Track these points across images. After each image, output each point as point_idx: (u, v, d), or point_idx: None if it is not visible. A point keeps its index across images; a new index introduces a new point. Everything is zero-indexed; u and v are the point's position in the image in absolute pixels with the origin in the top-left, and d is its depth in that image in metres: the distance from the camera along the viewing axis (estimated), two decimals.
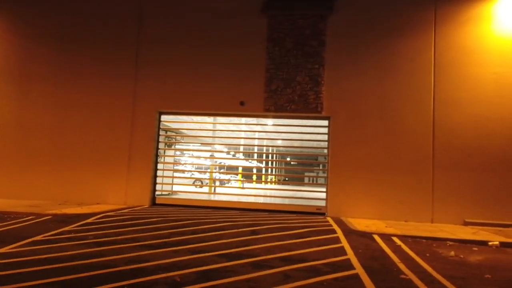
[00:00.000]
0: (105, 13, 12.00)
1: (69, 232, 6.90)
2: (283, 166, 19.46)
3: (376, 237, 7.47)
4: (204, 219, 8.74)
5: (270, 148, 25.46)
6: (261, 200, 13.23)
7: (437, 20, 10.82)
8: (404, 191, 10.48)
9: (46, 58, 12.09)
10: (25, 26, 12.27)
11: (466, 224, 10.02)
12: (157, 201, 11.78)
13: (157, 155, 11.85)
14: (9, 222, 7.66)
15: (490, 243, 7.33)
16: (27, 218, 8.19)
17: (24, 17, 12.33)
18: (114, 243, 6.11)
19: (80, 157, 11.69)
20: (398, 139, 10.66)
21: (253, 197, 15.04)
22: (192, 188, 16.87)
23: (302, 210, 11.18)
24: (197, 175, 24.33)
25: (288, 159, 20.41)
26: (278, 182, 38.00)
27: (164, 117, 12.24)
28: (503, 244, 7.32)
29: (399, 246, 6.79)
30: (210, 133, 17.97)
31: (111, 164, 11.51)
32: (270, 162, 32.80)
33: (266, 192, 18.13)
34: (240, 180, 26.99)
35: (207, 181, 18.21)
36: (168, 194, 13.68)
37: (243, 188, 26.69)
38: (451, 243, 7.37)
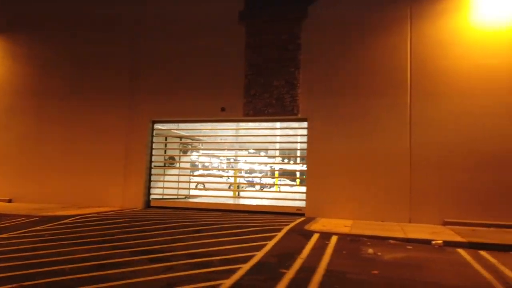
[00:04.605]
0: (103, 37, 13.13)
1: (36, 231, 7.88)
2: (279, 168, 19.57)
3: (315, 235, 7.60)
4: (170, 220, 9.35)
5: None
6: (247, 201, 13.58)
7: (412, 14, 10.56)
8: (381, 191, 10.32)
9: (58, 77, 13.53)
10: (42, 50, 13.83)
11: (445, 224, 9.64)
12: (152, 204, 12.63)
13: (151, 161, 12.75)
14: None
15: (433, 242, 7.15)
16: (18, 220, 9.36)
17: (42, 42, 13.89)
18: (59, 240, 6.94)
19: (86, 165, 12.86)
20: (375, 138, 10.52)
21: (246, 199, 15.38)
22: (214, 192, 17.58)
23: (284, 210, 11.37)
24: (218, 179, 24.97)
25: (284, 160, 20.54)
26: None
27: (182, 125, 13.63)
28: (447, 243, 7.11)
29: (326, 244, 6.90)
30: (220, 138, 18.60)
31: (111, 171, 12.57)
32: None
33: (258, 194, 18.10)
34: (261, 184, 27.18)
35: (212, 184, 19.06)
36: (185, 198, 14.55)
37: (260, 191, 26.91)
38: (392, 241, 7.30)
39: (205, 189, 20.88)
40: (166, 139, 14.46)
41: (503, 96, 9.74)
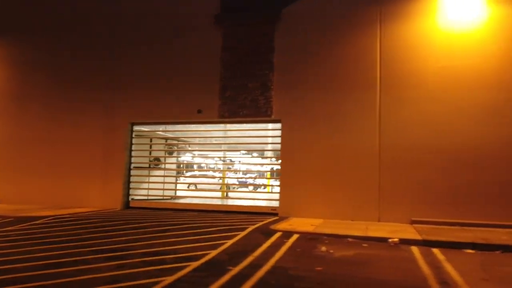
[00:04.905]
0: (83, 41, 13.37)
1: (7, 231, 8.08)
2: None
3: (277, 234, 7.80)
4: (142, 220, 9.53)
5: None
6: (225, 202, 13.77)
7: (382, 17, 10.77)
8: (352, 191, 10.52)
9: (39, 81, 13.75)
10: (22, 54, 14.05)
11: (412, 222, 9.85)
12: (132, 205, 12.82)
13: (130, 162, 12.95)
14: None
15: (389, 240, 7.36)
16: None
17: (22, 46, 14.12)
18: (24, 240, 7.14)
19: (67, 166, 13.07)
20: (346, 138, 10.73)
21: (230, 199, 15.56)
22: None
23: (260, 210, 11.58)
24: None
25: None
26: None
27: (169, 127, 14.16)
28: (403, 241, 7.32)
29: (284, 242, 7.10)
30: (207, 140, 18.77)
31: (90, 172, 12.77)
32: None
33: (240, 195, 18.24)
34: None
35: (203, 185, 19.23)
36: (170, 199, 14.74)
37: (253, 191, 27.12)
38: (350, 239, 7.50)
39: (196, 189, 21.06)
40: (151, 141, 14.67)
41: (470, 98, 9.94)
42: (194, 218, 9.95)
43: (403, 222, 9.92)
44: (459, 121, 9.95)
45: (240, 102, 11.65)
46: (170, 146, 16.01)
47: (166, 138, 15.63)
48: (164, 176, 14.50)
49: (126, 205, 12.74)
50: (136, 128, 13.24)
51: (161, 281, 4.62)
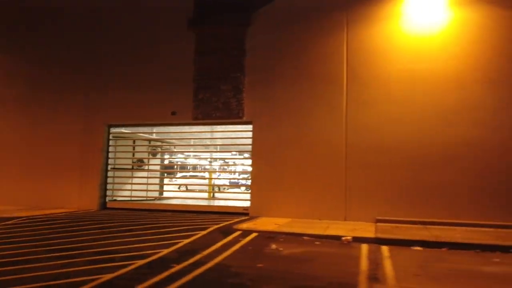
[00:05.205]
0: (62, 44, 13.59)
1: None
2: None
3: (236, 233, 8.02)
4: (111, 220, 9.73)
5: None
6: (200, 202, 14.01)
7: (349, 21, 11.00)
8: (319, 190, 10.75)
9: (18, 83, 13.95)
10: (2, 57, 14.32)
11: (377, 221, 10.07)
12: (109, 206, 13.02)
13: (107, 164, 13.16)
14: None
15: (343, 238, 7.58)
16: None
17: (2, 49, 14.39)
18: None
19: (46, 168, 13.26)
20: (315, 140, 10.96)
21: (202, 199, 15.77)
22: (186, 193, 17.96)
23: (233, 210, 11.79)
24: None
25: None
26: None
27: (156, 129, 14.42)
28: (356, 239, 7.53)
29: (240, 240, 7.32)
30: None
31: (67, 174, 12.97)
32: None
33: (218, 195, 18.35)
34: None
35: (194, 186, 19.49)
36: (154, 200, 14.94)
37: (245, 192, 27.27)
38: (306, 238, 7.73)
39: (187, 190, 21.15)
40: (134, 142, 14.86)
41: (435, 99, 10.18)
42: (165, 219, 10.15)
43: (368, 221, 10.14)
44: (424, 122, 10.20)
45: (213, 104, 11.87)
46: (154, 148, 16.17)
47: (149, 140, 15.81)
48: (147, 177, 14.69)
49: (103, 206, 12.94)
50: (114, 130, 13.46)
51: (98, 278, 4.83)
